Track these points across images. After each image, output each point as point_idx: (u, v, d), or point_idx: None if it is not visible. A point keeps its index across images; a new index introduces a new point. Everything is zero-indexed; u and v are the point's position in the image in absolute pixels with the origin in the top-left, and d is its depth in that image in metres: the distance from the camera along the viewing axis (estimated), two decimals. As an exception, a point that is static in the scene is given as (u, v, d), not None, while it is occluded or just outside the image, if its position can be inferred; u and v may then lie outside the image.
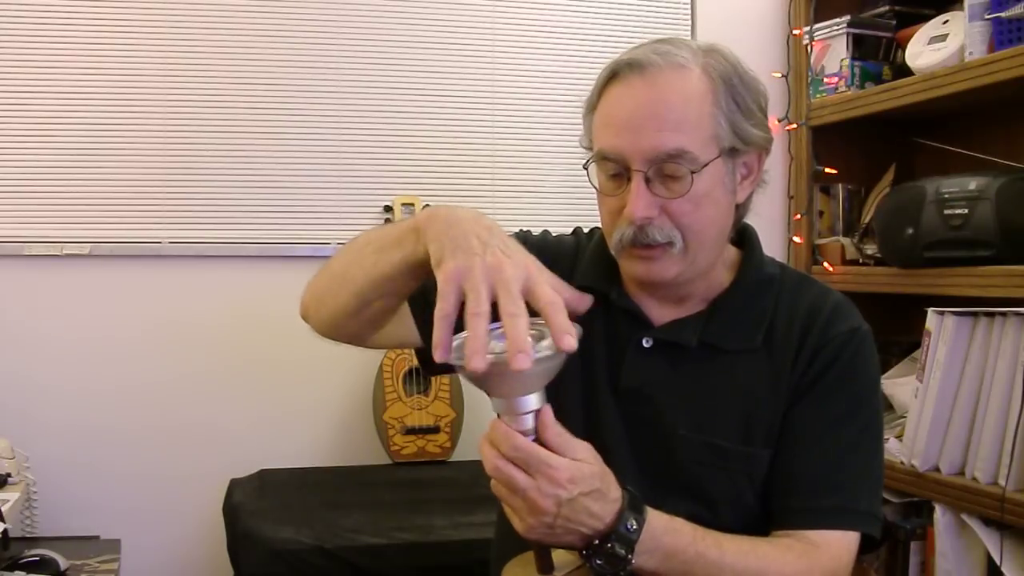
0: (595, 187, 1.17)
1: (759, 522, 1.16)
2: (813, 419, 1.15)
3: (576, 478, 0.95)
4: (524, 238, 1.30)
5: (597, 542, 0.98)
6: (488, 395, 0.95)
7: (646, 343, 1.19)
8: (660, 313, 1.21)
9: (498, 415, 0.96)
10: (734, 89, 1.13)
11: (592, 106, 1.17)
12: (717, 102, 1.11)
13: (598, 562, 0.99)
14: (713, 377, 1.18)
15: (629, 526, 0.99)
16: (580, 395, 1.21)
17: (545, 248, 1.27)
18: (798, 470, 1.15)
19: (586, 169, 1.17)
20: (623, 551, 0.99)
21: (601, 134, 1.14)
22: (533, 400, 0.94)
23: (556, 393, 1.21)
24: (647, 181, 1.10)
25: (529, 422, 0.94)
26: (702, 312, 1.20)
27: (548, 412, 0.95)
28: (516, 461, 0.94)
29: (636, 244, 1.13)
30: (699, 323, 1.19)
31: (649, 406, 1.18)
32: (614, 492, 1.00)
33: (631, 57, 1.13)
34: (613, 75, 1.14)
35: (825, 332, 1.17)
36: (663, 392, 1.18)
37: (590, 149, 1.19)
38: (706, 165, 1.10)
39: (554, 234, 1.35)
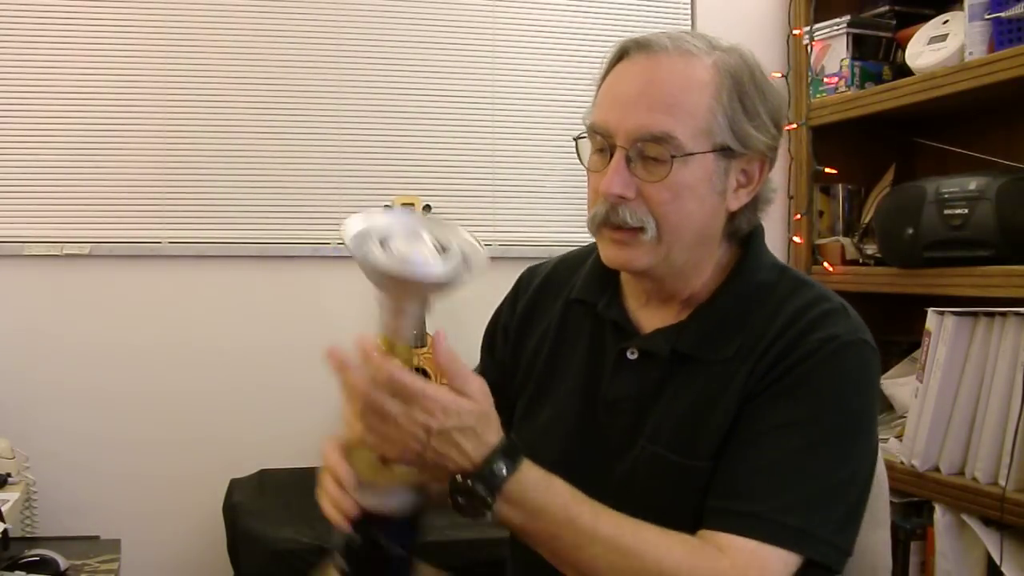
0: (581, 161, 1.14)
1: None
2: (757, 419, 1.05)
3: (449, 410, 0.93)
4: (529, 276, 1.32)
5: (460, 478, 0.95)
6: (381, 304, 0.94)
7: (631, 355, 1.15)
8: (648, 322, 1.17)
9: (382, 336, 0.95)
10: (742, 88, 1.08)
11: (598, 84, 1.15)
12: (718, 96, 1.07)
13: (460, 500, 0.95)
14: (680, 388, 1.12)
15: (496, 469, 0.95)
16: (553, 404, 1.19)
17: (552, 273, 1.29)
18: (726, 469, 1.05)
19: (576, 142, 1.14)
20: (484, 493, 0.95)
21: (596, 109, 1.12)
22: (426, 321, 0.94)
23: (530, 401, 1.22)
24: (628, 160, 1.07)
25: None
26: (682, 321, 1.14)
27: (441, 335, 0.95)
28: (392, 391, 0.92)
29: (608, 224, 1.09)
30: (674, 332, 1.13)
31: (623, 418, 1.14)
32: (490, 436, 0.96)
33: (642, 37, 1.10)
34: (623, 53, 1.11)
35: (796, 340, 1.07)
36: (638, 403, 1.13)
37: None
38: (692, 155, 1.06)
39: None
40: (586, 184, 1.19)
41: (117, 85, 2.35)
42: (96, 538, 2.10)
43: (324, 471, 1.01)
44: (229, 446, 2.39)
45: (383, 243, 0.92)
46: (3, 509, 1.77)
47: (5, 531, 1.73)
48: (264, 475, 2.29)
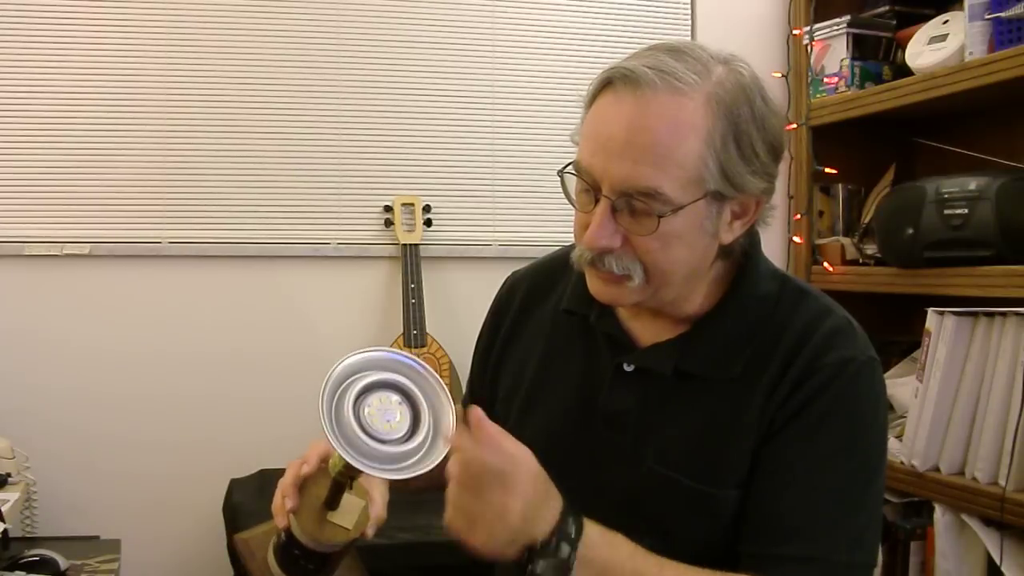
0: (567, 197, 1.09)
1: (725, 563, 1.06)
2: (790, 458, 1.04)
3: (535, 480, 0.96)
4: (510, 288, 1.30)
5: (540, 545, 0.94)
6: None
7: (627, 367, 1.12)
8: (643, 334, 1.14)
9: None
10: (738, 128, 1.01)
11: (586, 106, 1.07)
12: (711, 141, 0.99)
13: (540, 564, 0.94)
14: (686, 407, 1.09)
15: (569, 526, 0.96)
16: (545, 415, 1.18)
17: (536, 279, 1.27)
18: (768, 513, 1.04)
19: (560, 176, 1.07)
20: (568, 548, 0.95)
21: (582, 145, 1.05)
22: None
23: (519, 412, 1.20)
24: (614, 210, 1.01)
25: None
26: (683, 335, 1.11)
27: (478, 412, 0.98)
28: (492, 476, 0.94)
29: (594, 266, 1.06)
30: (676, 348, 1.10)
31: (623, 434, 1.11)
32: (554, 498, 0.97)
33: (630, 68, 1.01)
34: (608, 82, 1.03)
35: (812, 361, 1.05)
36: (638, 420, 1.11)
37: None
38: (681, 208, 1.00)
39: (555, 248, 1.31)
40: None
41: (117, 85, 2.35)
42: (96, 538, 2.10)
43: (282, 481, 1.07)
44: (229, 446, 2.39)
45: (359, 400, 0.96)
46: (3, 509, 1.77)
47: (5, 531, 1.72)
48: (264, 475, 2.29)
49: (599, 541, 0.98)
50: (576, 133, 1.08)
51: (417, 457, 0.97)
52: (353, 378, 0.97)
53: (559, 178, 1.08)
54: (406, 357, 1.01)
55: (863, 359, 1.07)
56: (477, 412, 0.95)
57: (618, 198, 1.01)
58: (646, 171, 0.99)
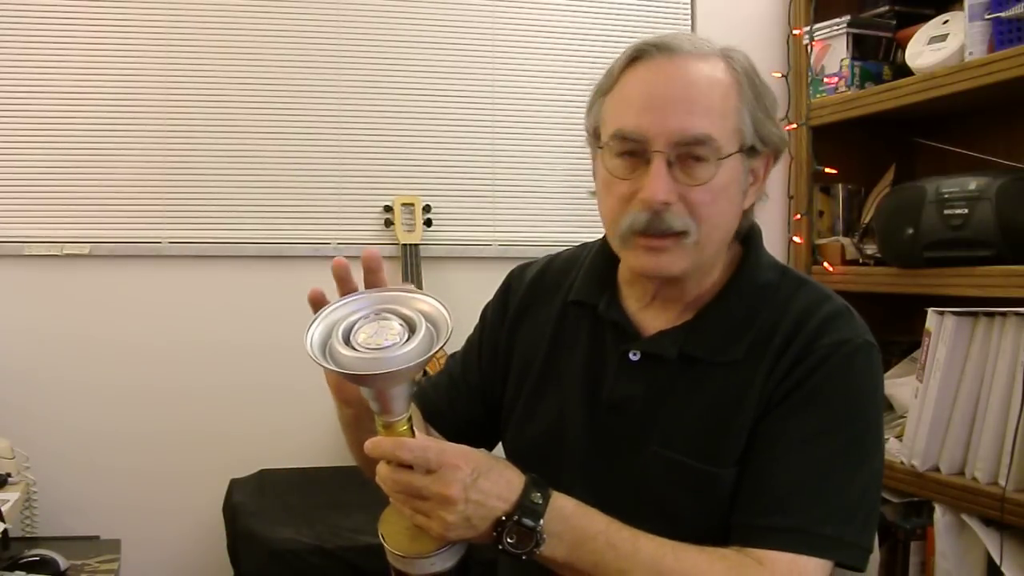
0: (595, 173, 1.12)
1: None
2: (781, 433, 1.07)
3: (469, 458, 0.96)
4: (520, 272, 1.31)
5: (504, 518, 0.97)
6: (367, 394, 0.95)
7: (633, 356, 1.14)
8: (649, 324, 1.17)
9: (379, 421, 0.96)
10: (755, 87, 1.11)
11: (606, 89, 1.11)
12: (742, 95, 1.09)
13: (509, 541, 0.97)
14: (690, 391, 1.11)
15: (534, 498, 0.98)
16: (552, 407, 1.19)
17: (543, 273, 1.28)
18: (757, 485, 1.06)
19: (597, 148, 1.11)
20: (531, 522, 0.97)
21: (620, 114, 1.09)
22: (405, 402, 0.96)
23: (527, 404, 1.21)
24: (668, 165, 1.05)
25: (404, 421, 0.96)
26: (687, 322, 1.14)
27: (417, 414, 1.00)
28: (414, 462, 0.95)
29: (648, 233, 1.07)
30: (681, 334, 1.13)
31: (628, 420, 1.13)
32: (511, 472, 1.00)
33: (658, 40, 1.09)
34: (636, 56, 1.09)
35: (809, 343, 1.08)
36: (644, 406, 1.13)
37: (595, 135, 1.13)
38: (728, 156, 1.07)
39: (561, 247, 1.32)
40: (587, 182, 1.19)
41: (117, 85, 2.35)
42: (96, 538, 2.11)
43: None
44: (229, 446, 2.40)
45: (348, 340, 0.92)
46: (3, 509, 1.77)
47: (5, 531, 1.73)
48: (264, 475, 2.29)
49: (571, 513, 1.00)
50: (590, 120, 1.13)
51: (427, 344, 0.92)
52: (332, 338, 0.94)
53: (595, 152, 1.12)
54: (371, 292, 0.99)
55: (860, 342, 1.10)
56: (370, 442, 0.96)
57: (672, 150, 1.05)
58: (700, 120, 1.06)
